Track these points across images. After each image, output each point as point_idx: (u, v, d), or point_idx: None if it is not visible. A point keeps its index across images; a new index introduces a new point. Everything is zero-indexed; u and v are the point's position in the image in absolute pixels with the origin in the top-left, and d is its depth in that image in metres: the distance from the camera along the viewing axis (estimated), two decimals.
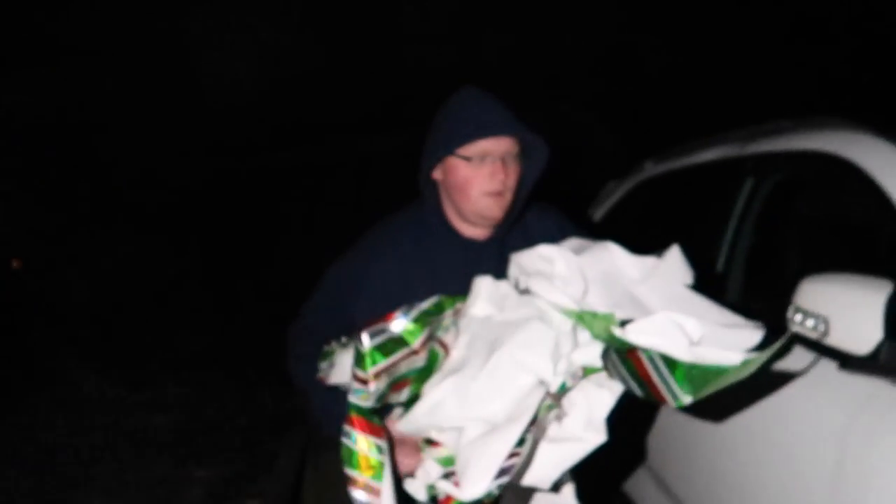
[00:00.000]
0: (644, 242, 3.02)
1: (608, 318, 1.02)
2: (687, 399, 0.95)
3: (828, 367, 1.43)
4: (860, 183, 1.59)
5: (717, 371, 0.94)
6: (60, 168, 9.19)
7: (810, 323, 1.38)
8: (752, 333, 1.07)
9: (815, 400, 1.47)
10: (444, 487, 1.09)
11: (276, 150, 9.78)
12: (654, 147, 3.44)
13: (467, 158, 1.45)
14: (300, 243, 8.03)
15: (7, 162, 8.98)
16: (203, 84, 9.49)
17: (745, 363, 0.93)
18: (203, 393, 4.35)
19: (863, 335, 1.28)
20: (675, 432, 2.13)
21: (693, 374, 0.94)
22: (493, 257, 1.48)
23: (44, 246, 8.63)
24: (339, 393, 1.36)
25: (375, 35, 9.69)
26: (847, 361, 1.36)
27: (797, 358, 1.55)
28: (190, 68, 9.61)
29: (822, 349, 1.43)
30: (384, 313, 1.29)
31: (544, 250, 1.22)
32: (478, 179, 1.45)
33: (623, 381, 1.04)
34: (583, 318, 1.05)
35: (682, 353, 0.96)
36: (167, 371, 4.75)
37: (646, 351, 0.99)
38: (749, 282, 2.08)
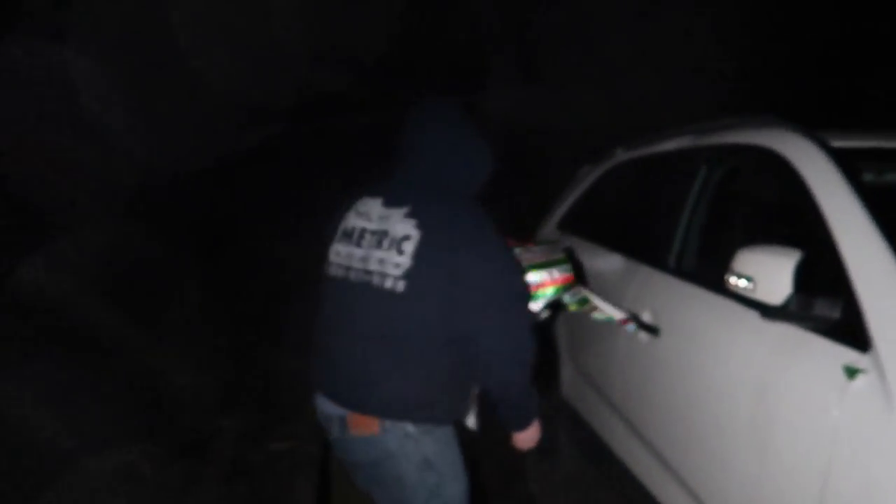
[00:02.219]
0: (615, 220, 3.43)
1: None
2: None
3: (753, 315, 1.84)
4: (785, 171, 2.00)
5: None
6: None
7: (742, 283, 1.80)
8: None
9: (744, 340, 1.89)
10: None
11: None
12: (623, 135, 3.81)
13: None
14: (289, 217, 8.28)
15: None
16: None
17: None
18: (212, 358, 4.71)
19: (778, 290, 1.69)
20: (635, 371, 2.54)
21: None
22: None
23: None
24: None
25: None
26: (767, 311, 1.77)
27: (734, 310, 1.96)
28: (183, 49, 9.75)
29: (750, 302, 1.84)
30: None
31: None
32: None
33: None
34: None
35: None
36: (174, 338, 5.08)
37: None
38: (702, 251, 2.50)
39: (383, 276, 1.68)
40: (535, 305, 2.07)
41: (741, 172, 2.46)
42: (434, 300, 1.64)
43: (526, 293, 1.86)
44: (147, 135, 8.98)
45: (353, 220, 1.84)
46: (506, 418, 1.87)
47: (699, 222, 2.55)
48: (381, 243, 1.72)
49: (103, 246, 7.06)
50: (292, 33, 9.69)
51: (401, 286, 1.65)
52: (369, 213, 1.81)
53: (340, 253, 1.83)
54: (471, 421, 2.05)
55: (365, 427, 1.71)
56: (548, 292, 2.08)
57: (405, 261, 1.65)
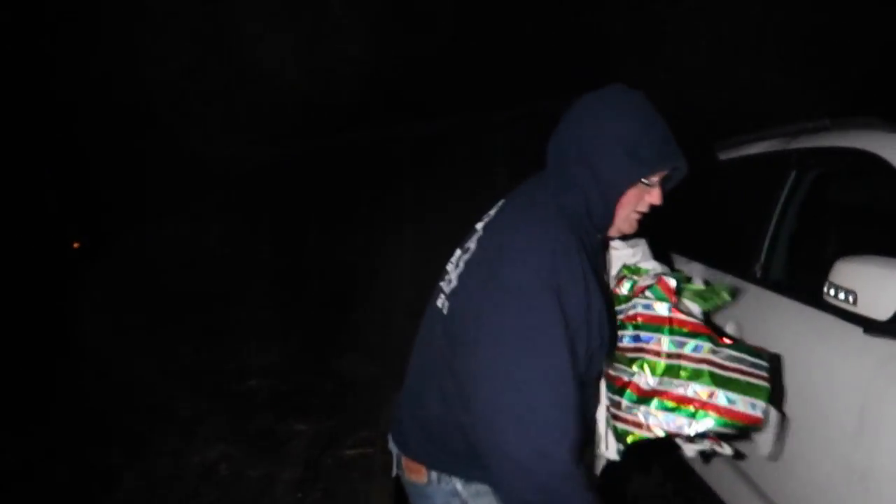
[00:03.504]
0: (693, 226, 3.30)
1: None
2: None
3: (855, 331, 1.72)
4: (887, 176, 1.87)
5: None
6: (120, 150, 9.74)
7: (842, 295, 1.68)
8: None
9: (845, 358, 1.77)
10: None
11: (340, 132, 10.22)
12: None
13: (648, 184, 1.39)
14: (355, 224, 8.39)
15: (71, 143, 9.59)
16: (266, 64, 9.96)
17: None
18: (286, 362, 4.82)
19: (884, 305, 1.57)
20: None
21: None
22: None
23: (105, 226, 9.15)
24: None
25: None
26: (870, 326, 1.65)
27: (832, 324, 1.84)
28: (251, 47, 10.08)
29: (851, 317, 1.72)
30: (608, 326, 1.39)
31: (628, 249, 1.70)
32: (640, 201, 1.41)
33: None
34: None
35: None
36: (247, 344, 5.23)
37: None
38: (792, 261, 2.37)
39: (440, 293, 1.46)
40: (661, 421, 1.45)
41: (836, 177, 2.32)
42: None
43: (559, 369, 1.22)
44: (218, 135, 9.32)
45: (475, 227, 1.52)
46: None
47: (788, 230, 2.42)
48: (459, 258, 1.47)
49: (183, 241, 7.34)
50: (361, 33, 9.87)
51: (446, 307, 1.40)
52: (487, 217, 1.50)
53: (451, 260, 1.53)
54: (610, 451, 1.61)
55: (414, 474, 1.48)
56: (707, 419, 1.43)
57: (455, 278, 1.41)
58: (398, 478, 1.56)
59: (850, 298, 1.65)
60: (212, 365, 4.76)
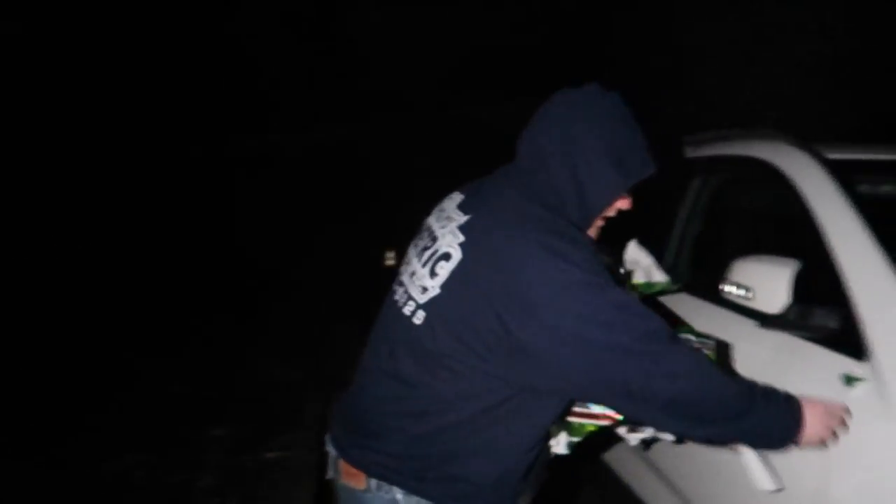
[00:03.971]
0: (615, 228, 3.45)
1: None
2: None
3: (750, 324, 1.86)
4: (781, 183, 2.03)
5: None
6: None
7: (740, 292, 1.82)
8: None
9: (741, 348, 1.90)
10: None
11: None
12: None
13: (628, 192, 1.39)
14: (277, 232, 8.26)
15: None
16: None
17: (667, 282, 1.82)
18: (205, 367, 4.72)
19: (776, 300, 1.71)
20: None
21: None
22: None
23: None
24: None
25: None
26: (765, 320, 1.79)
27: (731, 319, 1.98)
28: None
29: (748, 312, 1.86)
30: None
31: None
32: (610, 209, 1.41)
33: None
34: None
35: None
36: (170, 349, 5.09)
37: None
38: (696, 261, 2.52)
39: (408, 298, 1.36)
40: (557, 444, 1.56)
41: (736, 184, 2.49)
42: (454, 348, 1.26)
43: (652, 326, 1.25)
44: None
45: (429, 220, 1.46)
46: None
47: (693, 233, 2.57)
48: (423, 255, 1.37)
49: None
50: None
51: (420, 317, 1.31)
52: (441, 213, 1.43)
53: (406, 260, 1.47)
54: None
55: (352, 478, 1.42)
56: (582, 428, 1.54)
57: (434, 286, 1.30)
58: (320, 480, 1.52)
59: (748, 294, 1.79)
60: (128, 371, 4.60)
